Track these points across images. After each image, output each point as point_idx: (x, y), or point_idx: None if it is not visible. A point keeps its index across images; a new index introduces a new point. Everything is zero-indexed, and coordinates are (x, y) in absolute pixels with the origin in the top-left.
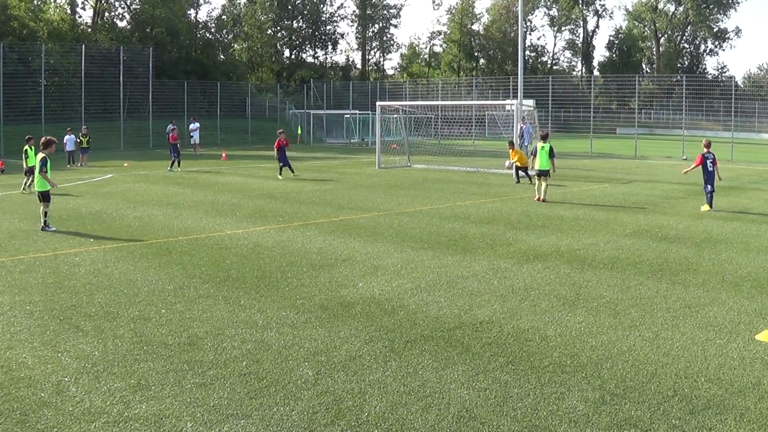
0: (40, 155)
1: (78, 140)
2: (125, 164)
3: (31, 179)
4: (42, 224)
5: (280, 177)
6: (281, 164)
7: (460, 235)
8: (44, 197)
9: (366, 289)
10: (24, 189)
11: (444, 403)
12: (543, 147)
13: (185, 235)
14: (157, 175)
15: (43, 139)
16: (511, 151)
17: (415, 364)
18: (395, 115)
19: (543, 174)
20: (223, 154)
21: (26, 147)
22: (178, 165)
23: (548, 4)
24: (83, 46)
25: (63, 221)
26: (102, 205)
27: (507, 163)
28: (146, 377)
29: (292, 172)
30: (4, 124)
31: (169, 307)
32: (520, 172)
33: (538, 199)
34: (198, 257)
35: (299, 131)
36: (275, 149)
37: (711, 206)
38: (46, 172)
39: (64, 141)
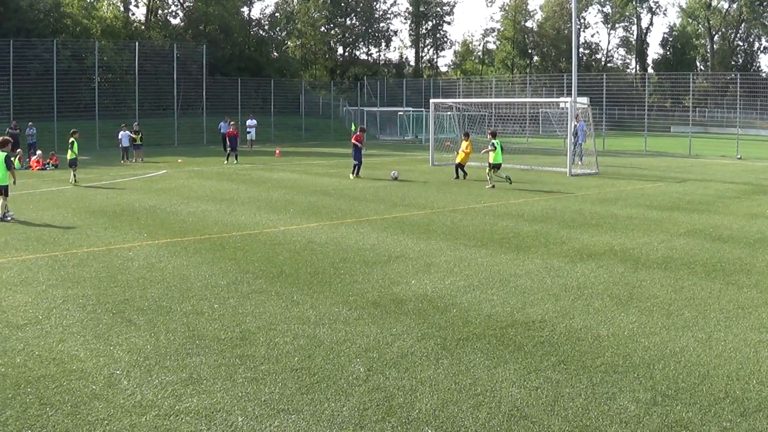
0: (5, 154)
1: (132, 136)
2: (179, 160)
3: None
4: (1, 216)
5: (235, 162)
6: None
7: (513, 233)
8: (5, 191)
9: (419, 286)
10: (74, 181)
11: (495, 402)
12: None
13: (239, 231)
14: (210, 171)
15: (1, 138)
16: (465, 142)
17: (467, 362)
18: (449, 113)
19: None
20: (277, 151)
21: (72, 139)
22: (235, 159)
23: (602, 1)
24: (137, 43)
25: (117, 216)
26: (156, 200)
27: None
28: (198, 371)
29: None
30: (58, 120)
31: (222, 302)
32: (460, 170)
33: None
34: (251, 253)
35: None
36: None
37: None
38: (10, 169)
39: (119, 137)
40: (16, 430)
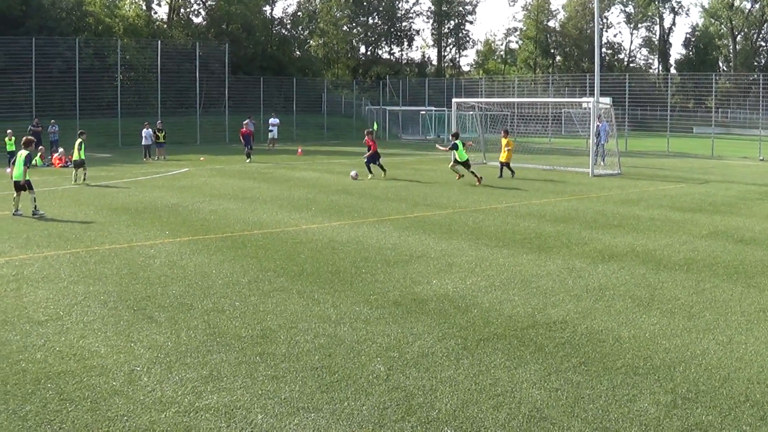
0: (27, 153)
1: (155, 135)
2: (201, 158)
3: (78, 172)
4: (33, 209)
5: (248, 161)
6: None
7: (535, 234)
8: (29, 186)
9: (440, 286)
10: (75, 181)
11: (515, 403)
12: None
13: (260, 229)
14: (232, 170)
15: (25, 138)
16: (504, 140)
17: (488, 363)
18: (471, 112)
19: None
20: (299, 150)
21: (79, 140)
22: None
23: (624, 1)
24: (159, 41)
25: (139, 214)
26: (178, 198)
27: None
28: (218, 368)
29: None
30: (80, 118)
31: (243, 300)
32: (506, 168)
33: None
34: (273, 251)
35: (375, 127)
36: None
37: None
38: (29, 166)
39: (143, 135)
40: (35, 425)
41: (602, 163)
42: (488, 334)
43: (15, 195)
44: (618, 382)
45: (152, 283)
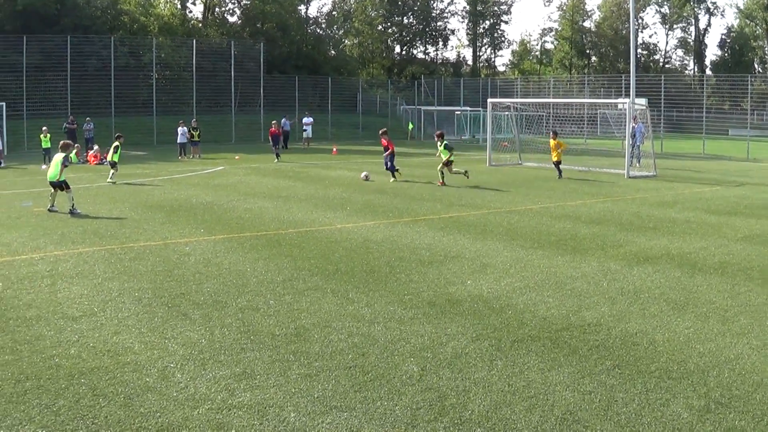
0: (63, 155)
1: (190, 133)
2: (236, 157)
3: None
4: (70, 207)
5: (276, 161)
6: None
7: (570, 235)
8: (66, 185)
9: (474, 286)
10: (110, 177)
11: (548, 405)
12: None
13: (295, 228)
14: (267, 168)
15: (62, 142)
16: (553, 141)
17: (521, 364)
18: (506, 113)
19: None
20: (334, 149)
21: (116, 143)
22: (276, 157)
23: (660, 1)
24: (194, 40)
25: (174, 211)
26: (213, 196)
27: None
28: (252, 366)
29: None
30: (116, 115)
31: (278, 298)
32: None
33: None
34: (307, 250)
35: (410, 127)
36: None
37: None
38: (67, 165)
39: (178, 133)
40: (68, 419)
41: (638, 164)
42: (522, 336)
43: (52, 191)
44: (651, 386)
45: (187, 281)
